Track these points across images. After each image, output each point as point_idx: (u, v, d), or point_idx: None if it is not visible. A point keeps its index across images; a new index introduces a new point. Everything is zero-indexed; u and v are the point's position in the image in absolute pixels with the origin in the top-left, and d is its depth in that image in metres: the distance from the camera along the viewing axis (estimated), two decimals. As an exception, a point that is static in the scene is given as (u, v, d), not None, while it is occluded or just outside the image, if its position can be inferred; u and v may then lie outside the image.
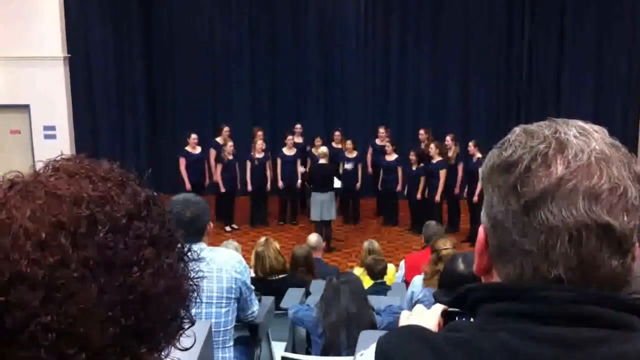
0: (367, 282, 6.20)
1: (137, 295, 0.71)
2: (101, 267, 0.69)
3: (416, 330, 0.96)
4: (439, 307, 1.11)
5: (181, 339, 0.81)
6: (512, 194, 0.86)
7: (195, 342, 0.82)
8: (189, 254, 0.82)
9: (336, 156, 11.36)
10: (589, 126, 0.89)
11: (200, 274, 0.84)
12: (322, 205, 10.30)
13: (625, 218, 0.83)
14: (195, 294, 0.82)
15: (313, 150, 11.58)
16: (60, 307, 0.67)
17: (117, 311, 0.70)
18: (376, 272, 6.44)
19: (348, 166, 11.24)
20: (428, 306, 1.17)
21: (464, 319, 1.00)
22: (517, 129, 0.92)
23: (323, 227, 10.31)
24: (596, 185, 0.83)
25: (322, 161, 10.55)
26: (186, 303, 0.79)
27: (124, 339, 0.71)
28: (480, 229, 0.94)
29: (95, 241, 0.70)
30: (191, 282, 0.81)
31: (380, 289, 6.23)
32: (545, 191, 0.83)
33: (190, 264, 0.82)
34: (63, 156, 0.79)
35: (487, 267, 0.94)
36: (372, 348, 0.96)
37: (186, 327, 0.81)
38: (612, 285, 0.85)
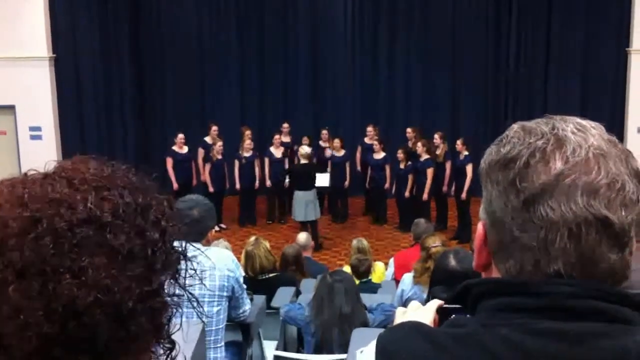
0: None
1: (61, 305, 0.66)
2: (29, 270, 0.67)
3: (416, 326, 0.96)
4: (434, 304, 1.10)
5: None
6: (512, 189, 0.87)
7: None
8: (182, 271, 0.77)
9: (324, 155, 11.33)
10: (586, 122, 0.90)
11: (197, 293, 0.81)
12: (306, 205, 10.21)
13: (624, 212, 0.84)
14: (171, 313, 0.77)
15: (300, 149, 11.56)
16: None
17: (37, 318, 0.66)
18: (361, 272, 6.39)
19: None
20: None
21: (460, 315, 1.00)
22: (515, 126, 0.92)
23: (309, 227, 10.20)
24: (594, 181, 0.84)
25: (303, 161, 10.50)
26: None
27: (52, 348, 0.67)
28: (479, 225, 0.95)
29: (29, 244, 0.67)
30: (162, 300, 0.75)
31: (367, 287, 6.22)
32: (544, 187, 0.84)
33: (181, 281, 0.78)
34: (79, 157, 0.78)
35: (487, 263, 0.95)
36: (373, 345, 0.96)
37: (158, 350, 0.76)
38: (611, 279, 0.85)
